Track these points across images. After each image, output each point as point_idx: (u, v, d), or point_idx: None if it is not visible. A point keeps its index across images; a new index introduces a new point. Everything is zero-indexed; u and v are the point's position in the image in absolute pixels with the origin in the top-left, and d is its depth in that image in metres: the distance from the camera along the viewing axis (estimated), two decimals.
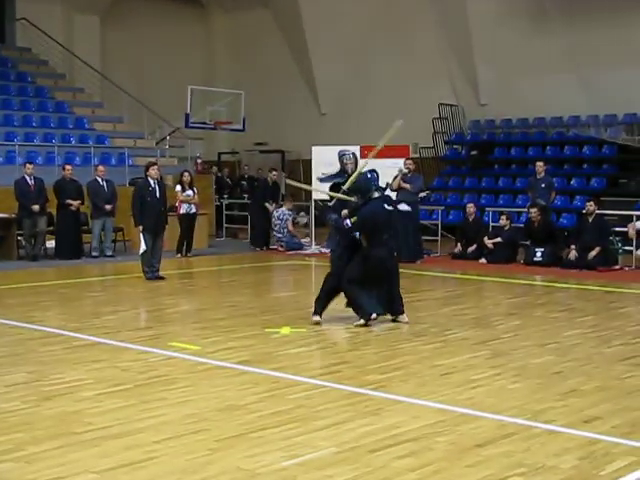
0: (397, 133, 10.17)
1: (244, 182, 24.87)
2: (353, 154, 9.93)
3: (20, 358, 7.97)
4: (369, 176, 9.69)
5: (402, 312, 9.82)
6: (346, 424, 5.86)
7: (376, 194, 9.56)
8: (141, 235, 13.38)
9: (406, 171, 16.20)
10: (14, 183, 16.26)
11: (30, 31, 24.71)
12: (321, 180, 10.58)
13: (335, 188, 9.88)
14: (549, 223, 16.15)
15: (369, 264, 9.55)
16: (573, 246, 15.21)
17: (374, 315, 9.53)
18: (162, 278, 13.45)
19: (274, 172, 19.67)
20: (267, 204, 18.98)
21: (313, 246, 18.49)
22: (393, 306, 9.80)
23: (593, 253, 14.90)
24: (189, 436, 5.59)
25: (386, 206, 9.60)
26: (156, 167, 13.81)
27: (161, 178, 14.23)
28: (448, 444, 5.44)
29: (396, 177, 16.15)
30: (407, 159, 16.58)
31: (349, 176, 9.71)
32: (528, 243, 15.95)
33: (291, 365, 7.66)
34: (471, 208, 17.09)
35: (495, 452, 5.29)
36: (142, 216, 13.38)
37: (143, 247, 13.34)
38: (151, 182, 13.61)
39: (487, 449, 5.35)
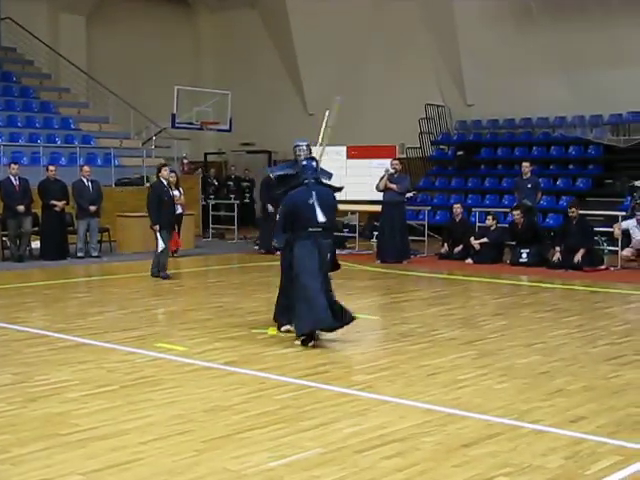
0: (339, 111, 10.08)
1: (230, 182, 24.87)
2: (307, 146, 9.46)
3: (5, 359, 7.93)
4: (305, 164, 9.01)
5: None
6: (333, 424, 5.85)
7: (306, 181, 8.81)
8: (158, 234, 13.58)
9: (392, 171, 16.22)
10: None
11: (15, 31, 24.59)
12: (271, 172, 10.23)
13: (283, 180, 9.39)
14: (533, 224, 16.19)
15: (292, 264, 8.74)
16: (558, 248, 15.26)
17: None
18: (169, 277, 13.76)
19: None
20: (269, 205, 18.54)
21: None
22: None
23: (579, 256, 14.94)
24: (175, 437, 5.58)
25: (313, 195, 8.69)
26: (167, 168, 14.39)
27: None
28: (435, 444, 5.45)
29: (383, 177, 16.19)
30: (394, 159, 16.60)
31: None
32: (514, 244, 15.99)
33: (278, 366, 7.65)
34: (458, 209, 17.12)
35: (481, 452, 5.30)
36: (159, 215, 13.61)
37: (161, 245, 13.59)
38: (164, 182, 14.05)
39: (474, 449, 5.35)
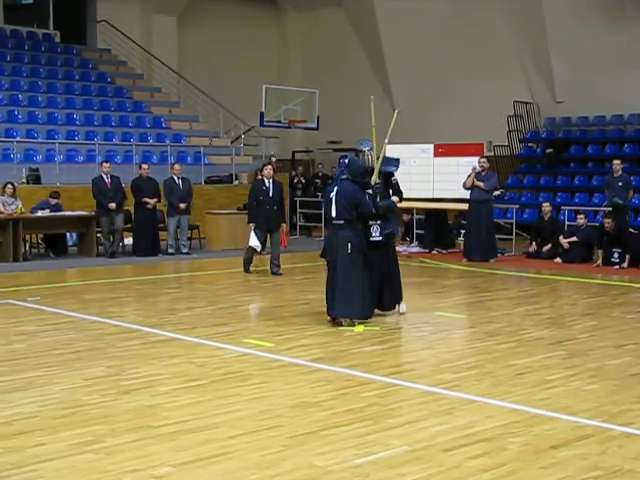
0: (397, 118, 10.61)
1: (318, 180, 24.95)
2: (370, 149, 10.09)
3: (99, 352, 8.16)
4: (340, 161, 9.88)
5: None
6: (419, 423, 5.86)
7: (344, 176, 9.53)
8: (252, 232, 13.90)
9: (480, 169, 16.08)
10: (92, 181, 16.62)
11: (110, 32, 25.20)
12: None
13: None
14: (624, 225, 15.74)
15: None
16: None
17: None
18: (279, 274, 13.98)
19: None
20: None
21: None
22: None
23: None
24: (263, 432, 5.66)
25: (334, 190, 9.42)
26: (269, 167, 14.28)
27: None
28: (522, 445, 5.41)
29: (470, 175, 16.08)
30: (481, 157, 16.45)
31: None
32: (604, 244, 15.64)
33: (364, 363, 7.68)
34: (547, 207, 16.88)
35: (570, 454, 5.23)
36: (254, 214, 13.95)
37: (253, 242, 13.88)
38: (266, 182, 14.08)
39: (562, 451, 5.29)
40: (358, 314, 9.41)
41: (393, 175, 10.31)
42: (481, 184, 16.00)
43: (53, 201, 16.47)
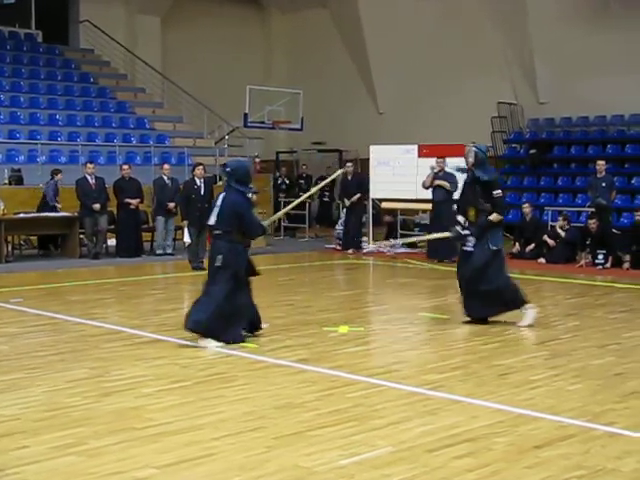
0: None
1: (302, 181, 24.94)
2: (472, 147, 9.75)
3: (82, 354, 8.11)
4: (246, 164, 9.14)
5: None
6: (404, 423, 5.86)
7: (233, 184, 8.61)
8: (186, 229, 14.61)
9: (437, 170, 16.23)
10: (75, 182, 16.55)
11: (93, 33, 25.09)
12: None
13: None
14: (606, 227, 15.81)
15: None
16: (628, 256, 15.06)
17: None
18: (203, 269, 13.86)
19: (349, 164, 18.97)
20: (343, 200, 18.59)
21: (371, 245, 18.48)
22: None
23: None
24: (247, 433, 5.64)
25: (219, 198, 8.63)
26: (201, 167, 15.06)
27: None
28: (507, 445, 5.41)
29: (429, 175, 16.26)
30: (438, 158, 16.55)
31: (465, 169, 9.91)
32: (588, 244, 15.72)
33: (349, 364, 7.67)
34: (527, 208, 16.94)
35: (554, 454, 5.24)
36: (187, 212, 14.68)
37: (187, 240, 14.61)
38: (197, 181, 14.79)
39: (546, 450, 5.30)
40: (193, 325, 8.41)
41: (495, 185, 9.65)
42: (446, 184, 16.09)
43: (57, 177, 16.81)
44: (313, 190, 10.20)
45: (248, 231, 8.65)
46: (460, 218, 9.73)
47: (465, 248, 9.58)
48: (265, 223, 9.19)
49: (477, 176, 9.59)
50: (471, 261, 9.49)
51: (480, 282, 9.41)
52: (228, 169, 8.78)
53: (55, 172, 16.87)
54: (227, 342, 8.35)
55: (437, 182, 16.17)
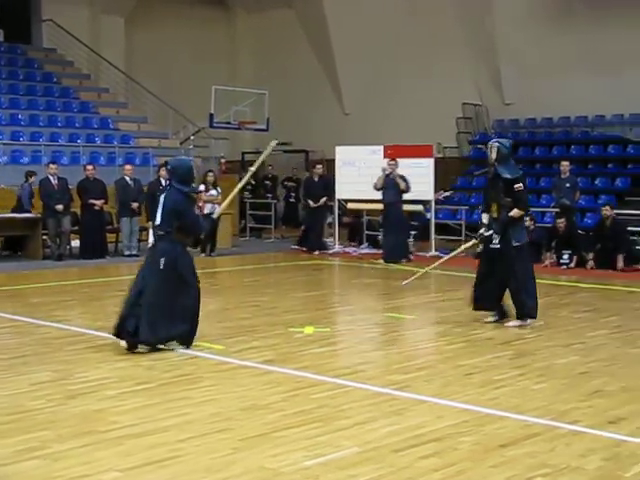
0: (270, 152, 10.07)
1: (268, 182, 24.89)
2: (494, 142, 9.64)
3: (45, 357, 8.02)
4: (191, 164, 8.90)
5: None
6: (369, 424, 5.85)
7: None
8: (151, 230, 13.81)
9: (389, 171, 16.29)
10: (38, 183, 16.39)
11: (56, 32, 24.87)
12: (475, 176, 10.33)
13: None
14: (572, 226, 15.96)
15: None
16: (591, 254, 15.19)
17: None
18: None
19: (318, 166, 19.13)
20: (308, 202, 18.68)
21: (337, 246, 18.49)
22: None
23: (620, 264, 14.84)
24: (213, 435, 5.61)
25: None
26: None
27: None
28: (472, 444, 5.43)
29: (380, 177, 16.33)
30: (390, 160, 16.61)
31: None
32: (554, 245, 15.83)
33: (314, 364, 7.66)
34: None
35: (519, 452, 5.27)
36: (154, 212, 14.00)
37: (152, 240, 13.86)
38: (162, 182, 14.91)
39: (511, 449, 5.33)
40: (147, 336, 8.10)
41: (516, 181, 9.43)
42: (403, 184, 16.17)
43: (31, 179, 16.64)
44: (248, 175, 10.10)
45: (187, 230, 8.47)
46: (484, 218, 9.66)
47: (491, 246, 9.52)
48: (214, 216, 9.35)
49: (499, 172, 9.49)
50: (502, 260, 9.44)
51: (510, 281, 9.47)
52: (169, 167, 8.67)
53: (29, 174, 16.70)
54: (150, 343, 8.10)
55: (400, 182, 16.18)
